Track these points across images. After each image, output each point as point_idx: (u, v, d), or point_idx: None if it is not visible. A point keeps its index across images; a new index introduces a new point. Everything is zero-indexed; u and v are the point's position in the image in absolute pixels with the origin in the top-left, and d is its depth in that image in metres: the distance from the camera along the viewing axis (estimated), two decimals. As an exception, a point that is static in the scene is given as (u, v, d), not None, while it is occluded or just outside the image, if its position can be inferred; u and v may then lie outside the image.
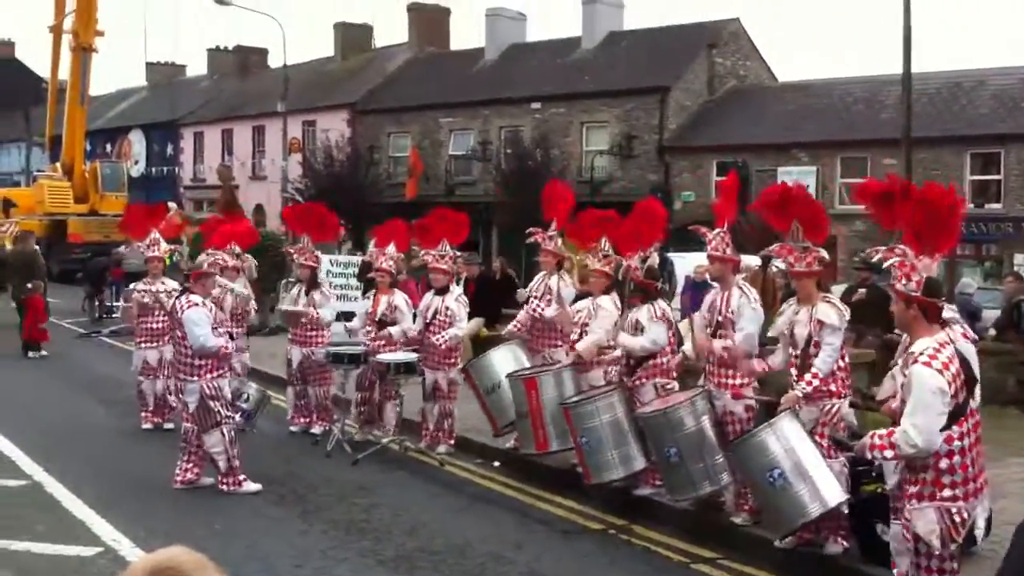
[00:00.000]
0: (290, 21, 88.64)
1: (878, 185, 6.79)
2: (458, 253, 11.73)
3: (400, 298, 11.20)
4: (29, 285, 17.64)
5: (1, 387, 14.53)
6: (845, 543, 7.15)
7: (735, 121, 32.09)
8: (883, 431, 5.44)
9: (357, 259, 17.02)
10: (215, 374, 9.01)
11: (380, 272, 11.20)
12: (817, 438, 7.08)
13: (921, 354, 5.28)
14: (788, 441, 6.93)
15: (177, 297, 9.33)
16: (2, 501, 8.61)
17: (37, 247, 19.78)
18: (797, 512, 6.90)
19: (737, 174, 10.12)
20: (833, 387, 7.17)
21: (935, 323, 5.51)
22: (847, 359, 7.42)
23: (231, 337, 9.59)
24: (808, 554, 7.30)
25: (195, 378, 8.95)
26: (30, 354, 17.47)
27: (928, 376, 5.19)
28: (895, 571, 5.77)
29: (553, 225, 10.35)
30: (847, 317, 7.31)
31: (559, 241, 10.46)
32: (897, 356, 6.40)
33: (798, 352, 7.32)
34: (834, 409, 7.17)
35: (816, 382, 7.09)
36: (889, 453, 5.32)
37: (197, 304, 8.97)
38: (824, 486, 6.84)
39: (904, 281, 5.50)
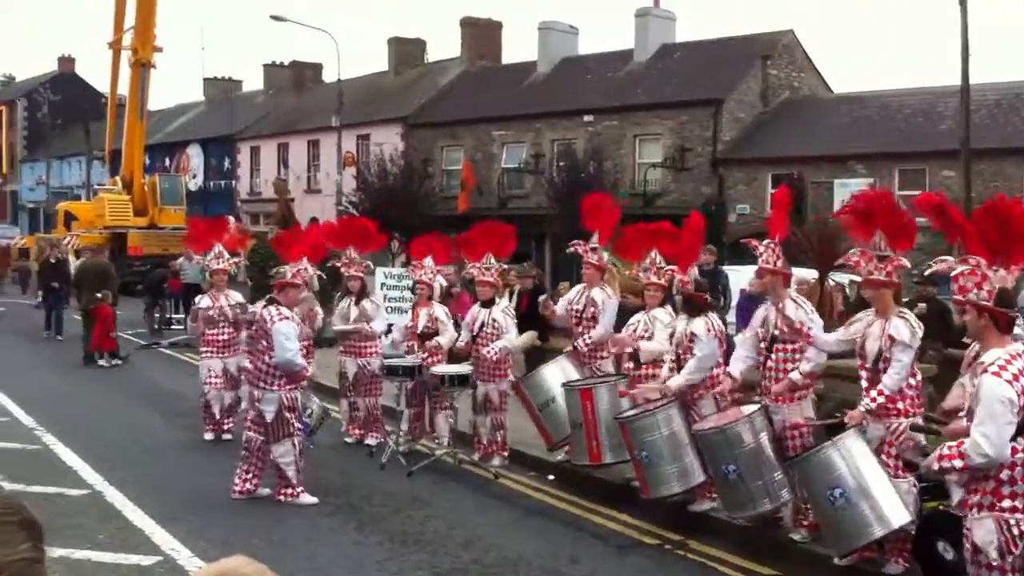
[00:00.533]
0: (344, 36, 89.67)
1: (936, 197, 6.69)
2: (505, 266, 11.75)
3: (440, 310, 11.30)
4: (99, 295, 18.11)
5: (62, 398, 14.80)
6: (907, 564, 7.03)
7: (790, 133, 31.82)
8: (952, 443, 5.37)
9: (410, 272, 17.11)
10: (293, 385, 9.11)
11: (420, 284, 11.27)
12: (883, 457, 6.97)
13: (992, 364, 5.22)
14: (853, 459, 6.81)
15: (264, 307, 9.32)
16: (64, 510, 8.74)
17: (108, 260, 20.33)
18: (859, 532, 6.80)
19: (789, 187, 10.03)
20: (901, 405, 6.98)
21: (1006, 334, 5.44)
22: (919, 377, 7.17)
23: (308, 353, 9.66)
24: (868, 572, 7.20)
25: (275, 388, 9.03)
26: (100, 362, 17.95)
27: (997, 385, 5.14)
28: None
29: (595, 237, 10.31)
30: (920, 334, 7.04)
31: (603, 253, 10.44)
32: (963, 369, 6.30)
33: (868, 365, 7.14)
34: (901, 428, 7.00)
35: (881, 399, 6.94)
36: (959, 463, 5.25)
37: (288, 317, 9.03)
38: (888, 506, 6.72)
39: (976, 291, 5.44)
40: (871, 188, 28.23)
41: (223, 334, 11.76)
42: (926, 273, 13.90)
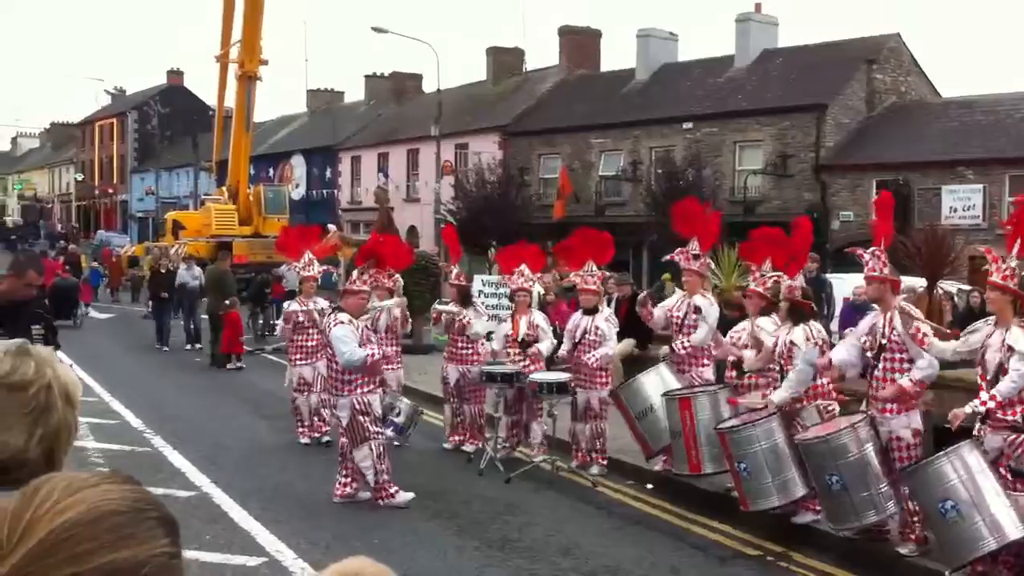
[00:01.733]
0: (444, 47, 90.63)
1: None
2: (608, 274, 11.66)
3: (539, 317, 11.31)
4: (228, 302, 19.01)
5: (170, 402, 15.21)
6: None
7: (896, 138, 31.09)
8: None
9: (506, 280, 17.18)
10: (366, 389, 9.21)
11: (520, 292, 11.27)
12: (1001, 469, 6.75)
13: None
14: (968, 470, 6.62)
15: (329, 314, 9.59)
16: (173, 511, 8.94)
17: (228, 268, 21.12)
18: (971, 545, 6.60)
19: (892, 193, 9.77)
20: (1020, 419, 6.74)
21: None
22: None
23: (387, 359, 9.77)
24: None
25: (346, 393, 9.17)
26: (229, 365, 18.79)
27: None
28: None
29: (694, 243, 10.19)
30: None
31: (705, 260, 10.32)
32: None
33: (988, 377, 6.90)
34: (1019, 441, 6.75)
35: (992, 404, 6.73)
36: None
37: (343, 322, 9.17)
38: (1003, 518, 6.51)
39: None
40: (977, 195, 27.49)
41: (311, 339, 11.99)
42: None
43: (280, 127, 60.02)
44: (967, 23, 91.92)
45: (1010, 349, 6.74)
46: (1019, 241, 6.94)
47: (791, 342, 8.43)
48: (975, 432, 7.00)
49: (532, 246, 12.24)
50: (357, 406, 9.16)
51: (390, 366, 10.75)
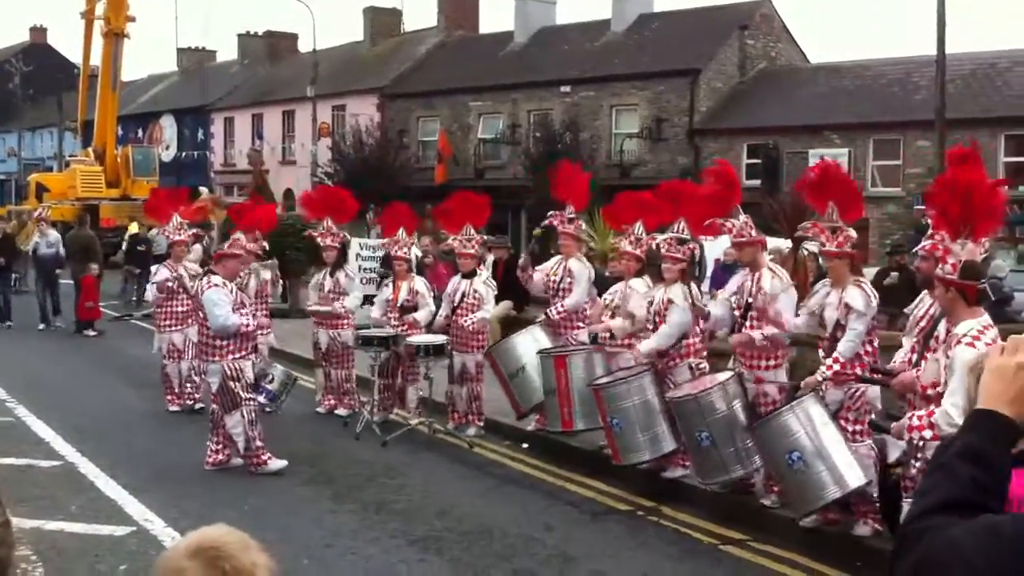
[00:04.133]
0: (320, 6, 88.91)
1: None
2: (487, 236, 11.68)
3: (420, 283, 11.27)
4: (93, 266, 18.48)
5: (34, 370, 14.70)
6: (877, 526, 7.10)
7: (766, 103, 31.83)
8: (922, 412, 5.41)
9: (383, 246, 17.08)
10: (237, 355, 9.05)
11: (398, 260, 11.21)
12: (841, 422, 7.06)
13: (964, 335, 5.26)
14: (811, 423, 6.92)
15: (200, 278, 9.38)
16: (37, 481, 8.70)
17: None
18: (815, 494, 6.92)
19: (727, 163, 9.81)
20: (859, 371, 7.08)
21: (975, 305, 5.48)
22: (876, 343, 7.27)
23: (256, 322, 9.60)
24: (837, 534, 7.27)
25: (217, 359, 9.00)
26: (86, 332, 18.16)
27: (970, 356, 5.16)
28: None
29: (570, 207, 10.28)
30: (875, 303, 7.16)
31: (579, 222, 10.42)
32: (910, 329, 6.40)
33: (827, 334, 7.27)
34: (858, 393, 7.10)
35: (836, 366, 7.06)
36: (928, 433, 5.30)
37: (217, 285, 8.99)
38: (844, 468, 6.82)
39: (941, 265, 5.47)
40: (843, 159, 28.40)
41: (181, 305, 11.70)
42: (900, 245, 14.02)
43: (149, 86, 58.14)
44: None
45: (847, 307, 7.08)
46: (831, 204, 7.21)
47: (669, 299, 8.54)
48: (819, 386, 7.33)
49: (409, 209, 12.14)
50: (228, 372, 8.99)
51: (261, 331, 10.57)
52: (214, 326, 8.89)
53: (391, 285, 11.30)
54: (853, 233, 7.30)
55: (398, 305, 11.05)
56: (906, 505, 5.89)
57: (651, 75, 33.54)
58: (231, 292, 9.11)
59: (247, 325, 9.03)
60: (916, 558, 1.66)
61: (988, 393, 1.83)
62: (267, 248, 10.53)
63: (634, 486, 8.66)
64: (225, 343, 8.98)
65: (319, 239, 11.83)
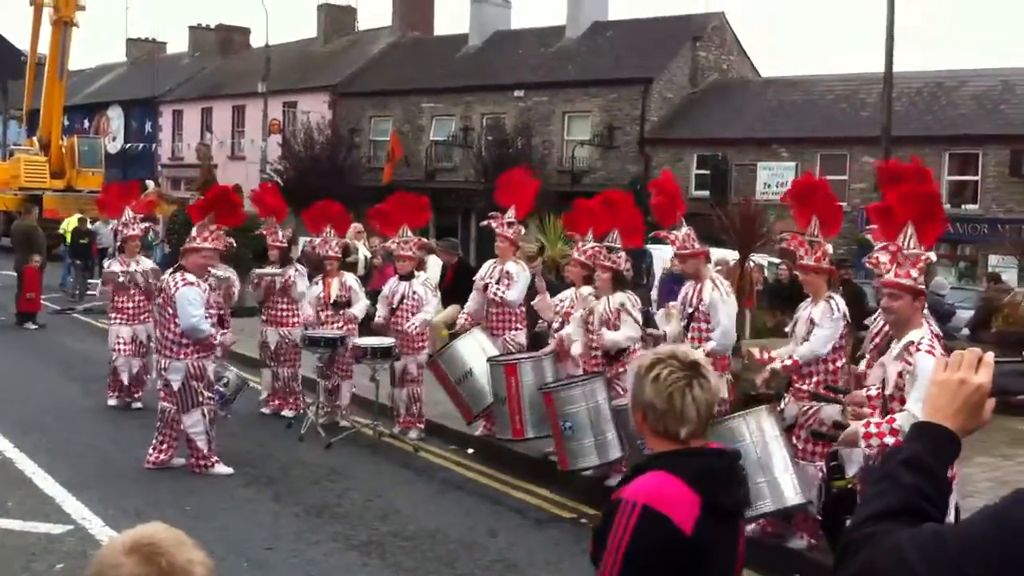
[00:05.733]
0: (273, 1, 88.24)
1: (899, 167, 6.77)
2: (425, 240, 11.69)
3: (351, 278, 11.36)
4: (36, 258, 18.12)
5: (-28, 362, 14.43)
6: (812, 540, 7.21)
7: (716, 115, 32.17)
8: (876, 419, 5.43)
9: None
10: (201, 354, 8.95)
11: (328, 259, 11.18)
12: (793, 439, 7.14)
13: (921, 342, 5.35)
14: (761, 434, 6.95)
15: (171, 273, 9.14)
16: (-29, 477, 8.54)
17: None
18: (751, 505, 6.96)
19: (670, 175, 9.96)
20: (821, 390, 7.11)
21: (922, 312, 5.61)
22: (840, 363, 7.24)
23: (221, 321, 9.47)
24: (774, 546, 7.37)
25: (182, 356, 8.88)
26: (26, 325, 17.87)
27: (933, 363, 5.23)
28: None
29: (511, 211, 10.32)
30: (839, 315, 7.17)
31: (519, 228, 10.48)
32: (865, 347, 6.47)
33: (796, 346, 7.33)
34: (812, 410, 7.16)
35: (789, 362, 7.17)
36: (891, 440, 5.26)
37: (192, 283, 8.83)
38: (784, 484, 6.86)
39: (916, 275, 5.54)
40: (790, 172, 28.77)
41: (132, 301, 11.56)
42: (845, 260, 14.19)
43: (97, 76, 57.33)
44: (788, 5, 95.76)
45: (811, 321, 7.19)
46: (814, 218, 7.30)
47: (617, 310, 8.61)
48: (781, 402, 7.41)
49: (337, 206, 12.10)
50: (192, 371, 8.87)
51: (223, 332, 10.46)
52: (185, 325, 8.72)
53: (321, 283, 11.25)
54: (830, 248, 7.39)
55: (331, 302, 11.03)
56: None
57: (604, 82, 33.74)
58: (204, 292, 8.99)
59: (214, 337, 8.92)
60: (860, 562, 1.70)
61: (932, 406, 1.89)
62: (234, 244, 10.40)
63: (578, 494, 8.69)
64: (190, 342, 8.87)
65: (269, 239, 11.76)
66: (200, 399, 8.91)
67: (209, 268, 9.91)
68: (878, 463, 5.62)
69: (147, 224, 13.98)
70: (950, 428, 1.86)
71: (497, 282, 10.23)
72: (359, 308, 11.09)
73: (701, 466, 2.64)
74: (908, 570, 1.62)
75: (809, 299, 7.44)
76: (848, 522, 5.85)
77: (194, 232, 9.32)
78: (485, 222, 10.59)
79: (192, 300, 8.72)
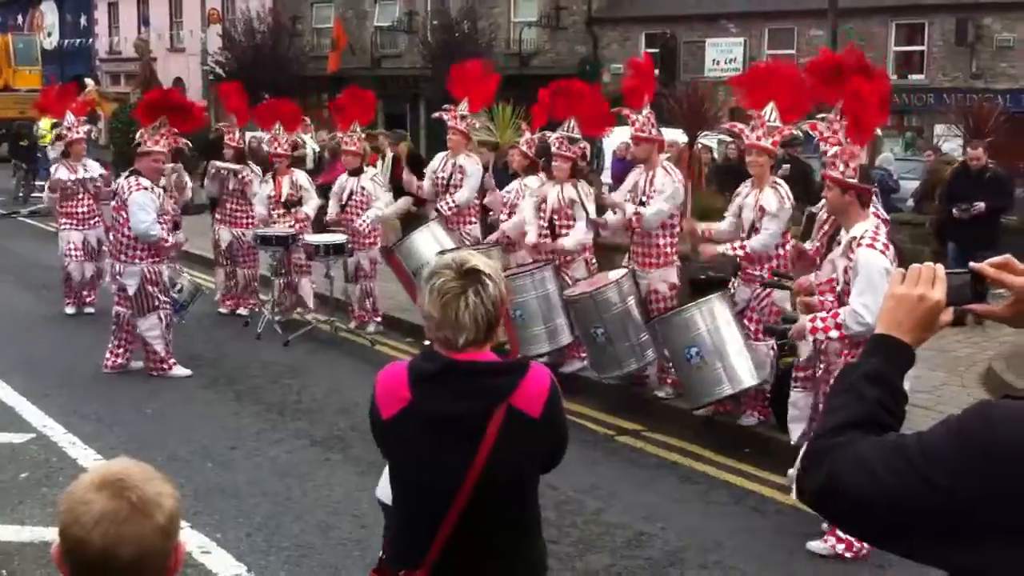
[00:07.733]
0: None
1: (828, 60, 6.78)
2: (383, 132, 11.60)
3: (302, 176, 11.30)
4: None
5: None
6: (762, 416, 7.46)
7: (664, -9, 31.73)
8: (823, 313, 5.57)
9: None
10: (156, 259, 8.92)
11: (279, 158, 11.07)
12: (745, 321, 7.30)
13: (863, 237, 5.42)
14: (714, 321, 7.12)
15: (125, 177, 9.02)
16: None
17: None
18: (710, 389, 7.19)
19: (652, 57, 9.88)
20: (763, 275, 7.25)
21: (867, 208, 5.64)
22: (788, 247, 7.21)
23: (176, 226, 9.36)
24: (725, 423, 7.63)
25: (136, 261, 8.83)
26: None
27: (874, 257, 5.34)
28: (792, 437, 6.17)
29: (465, 104, 10.24)
30: (789, 205, 7.22)
31: (472, 120, 10.41)
32: (815, 236, 6.56)
33: (744, 234, 7.36)
34: (764, 294, 7.30)
35: (741, 252, 7.21)
36: (835, 333, 5.40)
37: (145, 188, 8.73)
38: (740, 368, 7.09)
39: (843, 168, 5.57)
40: (738, 48, 28.62)
41: (82, 206, 11.40)
42: (794, 137, 14.25)
43: (26, -31, 55.20)
44: None
45: (762, 209, 7.19)
46: (772, 104, 7.26)
47: (570, 198, 8.66)
48: (730, 285, 7.54)
49: (288, 104, 11.93)
50: (147, 275, 8.85)
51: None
52: (136, 230, 8.66)
53: (271, 181, 11.14)
54: (788, 131, 7.37)
55: (281, 200, 10.97)
56: (794, 395, 6.21)
57: (550, -39, 33.07)
58: (158, 197, 8.89)
59: (166, 240, 8.85)
60: (826, 475, 1.76)
61: (892, 319, 1.92)
62: (190, 146, 10.21)
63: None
64: (144, 245, 8.81)
65: (227, 139, 11.61)
66: (156, 303, 8.92)
67: (162, 170, 9.77)
68: (836, 378, 5.81)
69: (89, 126, 13.69)
70: (907, 342, 1.91)
71: (449, 177, 10.20)
72: (310, 207, 11.04)
73: (419, 369, 2.81)
74: (875, 481, 1.68)
75: (750, 181, 7.47)
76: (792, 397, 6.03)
77: (145, 135, 9.13)
78: (437, 114, 10.50)
79: (144, 205, 8.65)
